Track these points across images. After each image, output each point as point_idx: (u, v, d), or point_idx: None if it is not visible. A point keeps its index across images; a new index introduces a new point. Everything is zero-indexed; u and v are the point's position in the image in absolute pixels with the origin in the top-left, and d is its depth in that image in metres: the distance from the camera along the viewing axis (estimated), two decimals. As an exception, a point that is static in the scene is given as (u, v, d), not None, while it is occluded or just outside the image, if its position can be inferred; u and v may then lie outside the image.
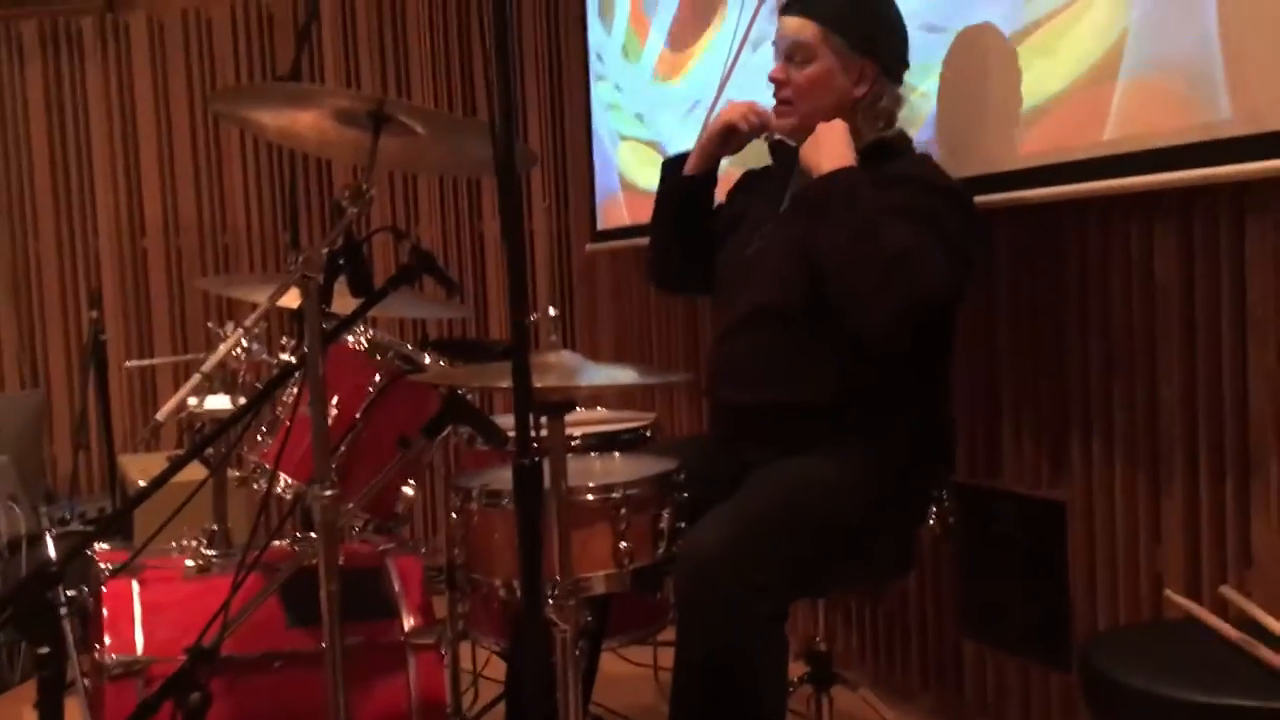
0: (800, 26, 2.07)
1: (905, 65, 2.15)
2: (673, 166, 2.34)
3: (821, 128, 2.01)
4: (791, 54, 2.08)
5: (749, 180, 2.37)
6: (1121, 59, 1.94)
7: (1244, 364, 1.91)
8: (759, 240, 2.14)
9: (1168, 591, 1.69)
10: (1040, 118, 2.12)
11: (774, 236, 2.10)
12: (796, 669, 2.22)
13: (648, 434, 2.54)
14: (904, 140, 2.16)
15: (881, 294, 1.83)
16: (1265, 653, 1.32)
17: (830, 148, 1.98)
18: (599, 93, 3.82)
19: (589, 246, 4.01)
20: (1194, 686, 1.27)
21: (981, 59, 2.24)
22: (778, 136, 2.22)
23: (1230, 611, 1.56)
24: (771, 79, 2.12)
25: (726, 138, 2.25)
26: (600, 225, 3.88)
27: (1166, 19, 1.86)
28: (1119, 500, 2.15)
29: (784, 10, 2.13)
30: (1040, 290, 2.30)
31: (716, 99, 2.48)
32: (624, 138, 3.66)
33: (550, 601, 1.70)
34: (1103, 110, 1.99)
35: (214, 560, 1.97)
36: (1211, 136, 1.80)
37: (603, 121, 3.80)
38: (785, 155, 2.22)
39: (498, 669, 2.73)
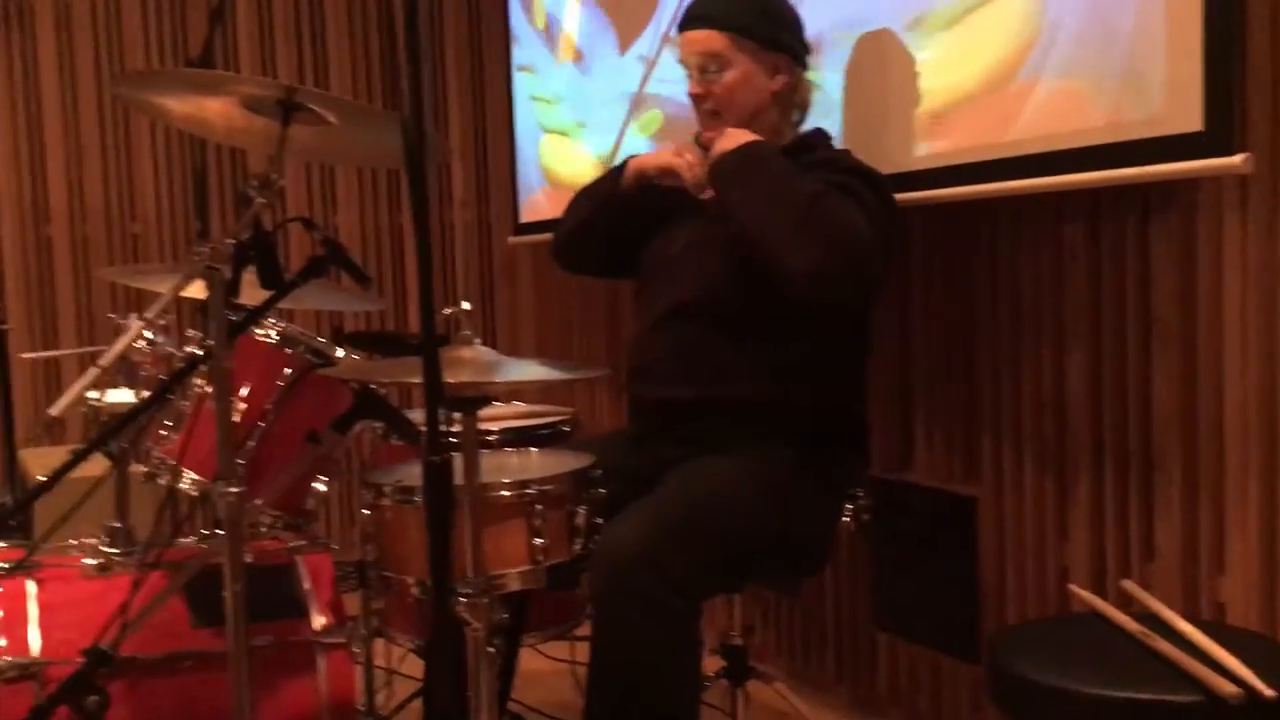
0: (707, 38, 2.08)
1: (808, 50, 2.18)
2: (620, 170, 2.31)
3: (728, 131, 2.03)
4: (704, 66, 2.09)
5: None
6: (1029, 60, 1.97)
7: (1148, 364, 1.96)
8: (683, 239, 2.14)
9: (1072, 586, 1.73)
10: (950, 118, 2.15)
11: (698, 235, 2.11)
12: (713, 663, 2.23)
13: (566, 429, 2.52)
14: (822, 136, 2.19)
15: (803, 234, 1.83)
16: (1163, 645, 1.35)
17: (738, 135, 2.00)
18: (523, 84, 3.79)
19: (511, 240, 3.98)
20: (1095, 680, 1.29)
21: (886, 59, 2.27)
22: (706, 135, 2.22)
23: (1133, 606, 1.60)
24: (691, 96, 2.13)
25: (663, 177, 2.21)
26: (522, 219, 3.85)
27: (1078, 22, 1.90)
28: (1028, 496, 2.19)
29: (684, 26, 2.13)
30: (954, 288, 2.33)
31: (619, 142, 2.46)
32: (546, 130, 3.64)
33: (463, 599, 1.68)
34: (1013, 111, 2.02)
35: (115, 559, 1.91)
36: (1119, 139, 1.84)
37: (526, 114, 3.77)
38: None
39: (414, 666, 2.70)
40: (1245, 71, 1.72)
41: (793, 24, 2.14)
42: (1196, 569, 1.91)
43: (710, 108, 2.11)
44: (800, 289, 1.88)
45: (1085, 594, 1.59)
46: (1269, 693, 1.23)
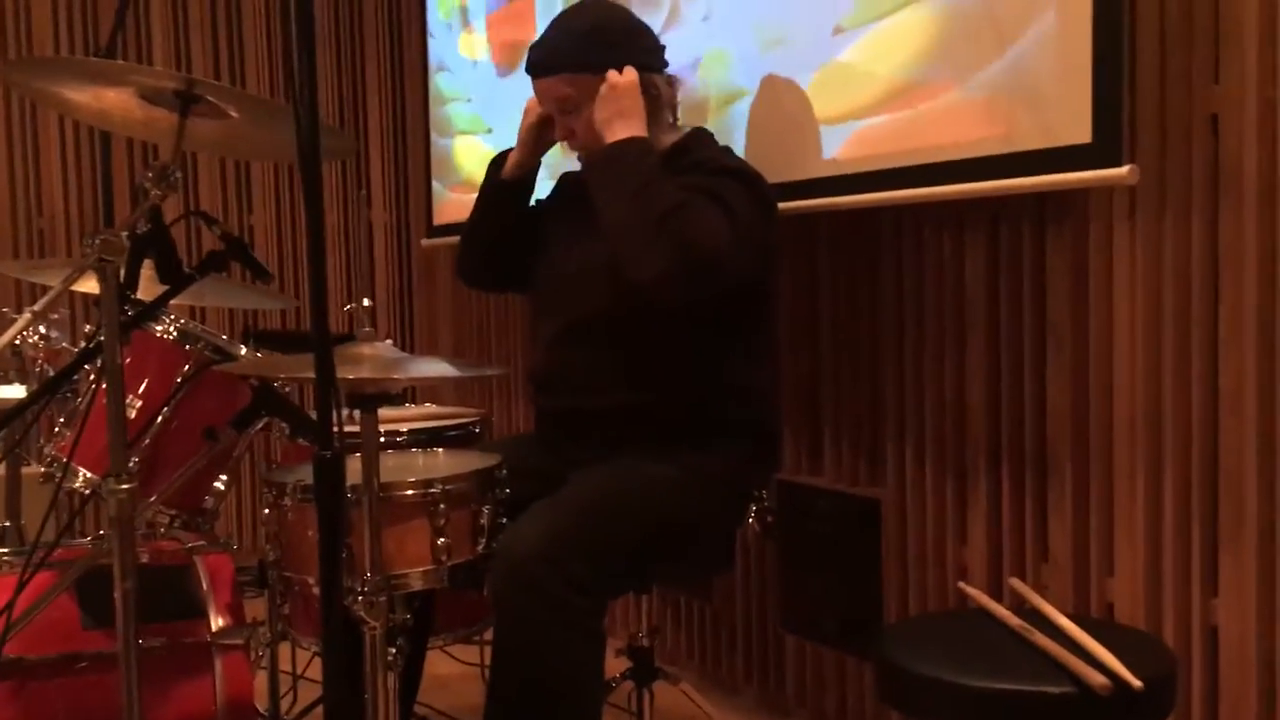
0: (551, 86, 2.10)
1: (661, 49, 2.16)
2: (498, 165, 2.34)
3: (613, 80, 2.02)
4: (561, 109, 2.11)
5: (565, 188, 2.37)
6: (937, 67, 2.01)
7: (1043, 369, 2.01)
8: (577, 259, 2.15)
9: (962, 584, 1.76)
10: (853, 127, 2.18)
11: (591, 254, 2.11)
12: (620, 665, 2.23)
13: (476, 430, 2.52)
14: (703, 135, 2.19)
15: (656, 244, 1.84)
16: (1041, 640, 1.39)
17: (622, 108, 2.00)
18: (439, 84, 3.77)
19: (424, 241, 3.96)
20: (974, 672, 1.32)
21: (795, 69, 2.29)
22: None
23: (1021, 603, 1.64)
24: (559, 140, 2.17)
25: (541, 130, 2.25)
26: (436, 220, 3.83)
27: (976, 35, 1.94)
28: (929, 499, 2.24)
29: (531, 75, 2.14)
30: (859, 295, 2.37)
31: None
32: (460, 132, 3.63)
33: (360, 598, 1.67)
34: (914, 120, 2.06)
35: (4, 558, 1.86)
36: (1013, 148, 1.89)
37: (441, 115, 3.76)
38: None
39: (319, 670, 2.67)
40: (1134, 86, 1.78)
41: (630, 34, 2.11)
42: (1087, 570, 1.96)
43: (577, 145, 2.13)
44: (648, 293, 1.90)
45: (974, 592, 1.63)
46: (1137, 684, 1.27)
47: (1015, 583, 1.69)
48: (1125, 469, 1.88)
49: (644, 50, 2.11)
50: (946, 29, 1.99)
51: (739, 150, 2.32)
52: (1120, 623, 1.81)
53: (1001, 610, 1.51)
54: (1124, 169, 1.72)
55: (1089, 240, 1.92)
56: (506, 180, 2.30)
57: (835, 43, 2.20)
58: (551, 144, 2.27)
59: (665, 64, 2.15)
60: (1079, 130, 1.77)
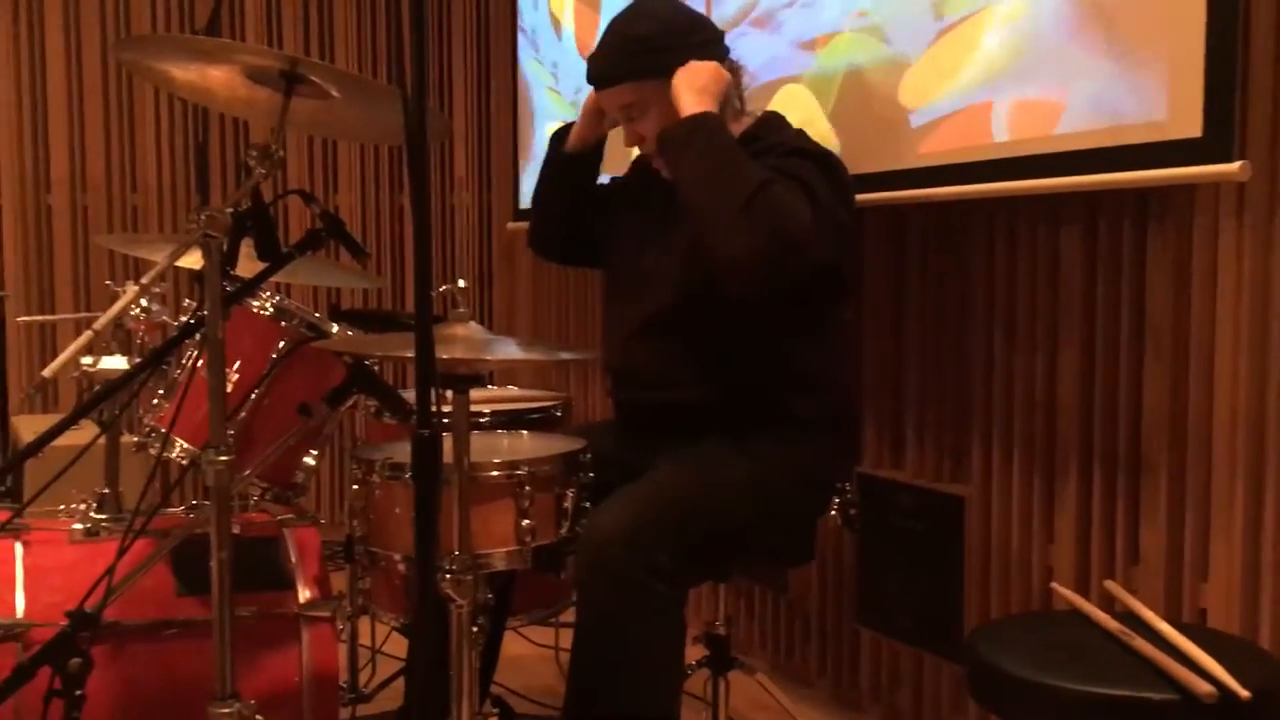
0: (617, 95, 2.08)
1: (720, 37, 2.12)
2: (560, 137, 2.34)
3: (694, 64, 2.00)
4: (627, 116, 2.09)
5: (639, 173, 2.33)
6: (1039, 58, 1.97)
7: (1139, 371, 1.96)
8: (651, 253, 2.14)
9: (1055, 585, 1.73)
10: (948, 119, 2.14)
11: (668, 246, 2.10)
12: (695, 652, 2.23)
13: (558, 414, 2.53)
14: (776, 120, 2.15)
15: (743, 221, 1.79)
16: (1141, 643, 1.36)
17: (700, 85, 1.97)
18: (535, 72, 3.79)
19: (510, 225, 3.98)
20: (1072, 676, 1.30)
21: (884, 59, 2.26)
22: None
23: (1115, 605, 1.61)
24: (629, 146, 2.14)
25: (599, 115, 2.24)
26: (522, 204, 3.85)
27: (1079, 25, 1.90)
28: (1016, 497, 2.20)
29: (594, 86, 2.13)
30: (947, 287, 2.33)
31: None
32: (549, 115, 3.63)
33: (447, 576, 1.69)
34: (1015, 109, 2.02)
35: (103, 525, 1.91)
36: (1118, 142, 1.84)
37: (536, 101, 3.77)
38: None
39: (398, 646, 2.71)
40: (1246, 79, 1.72)
41: (686, 30, 2.06)
42: (1180, 574, 1.91)
43: (648, 151, 2.11)
44: (733, 275, 1.85)
45: (1067, 593, 1.60)
46: (1244, 693, 1.24)
47: (1111, 585, 1.65)
48: (1224, 473, 1.83)
49: (702, 44, 2.06)
50: (1050, 14, 1.94)
51: (829, 139, 2.28)
52: (1220, 629, 1.77)
53: (1098, 613, 1.48)
54: (1235, 165, 1.67)
55: (1193, 238, 1.87)
56: (569, 154, 2.30)
57: (934, 27, 2.17)
58: (615, 125, 2.25)
59: (727, 51, 2.12)
60: (1189, 124, 1.72)
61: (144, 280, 1.48)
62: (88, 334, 1.42)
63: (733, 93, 2.10)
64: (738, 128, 2.09)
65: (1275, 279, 1.75)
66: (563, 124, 2.36)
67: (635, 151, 2.20)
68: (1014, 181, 2.02)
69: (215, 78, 1.73)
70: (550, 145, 2.36)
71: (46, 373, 1.39)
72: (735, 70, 2.13)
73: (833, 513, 2.14)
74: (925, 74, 2.20)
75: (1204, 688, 1.24)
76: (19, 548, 1.84)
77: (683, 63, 2.01)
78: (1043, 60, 1.96)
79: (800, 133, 2.13)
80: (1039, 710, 1.31)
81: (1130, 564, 1.99)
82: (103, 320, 1.45)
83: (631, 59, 2.05)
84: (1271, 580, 1.78)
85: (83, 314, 3.43)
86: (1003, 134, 2.04)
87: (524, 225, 3.81)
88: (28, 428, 3.13)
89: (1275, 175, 1.74)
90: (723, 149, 1.89)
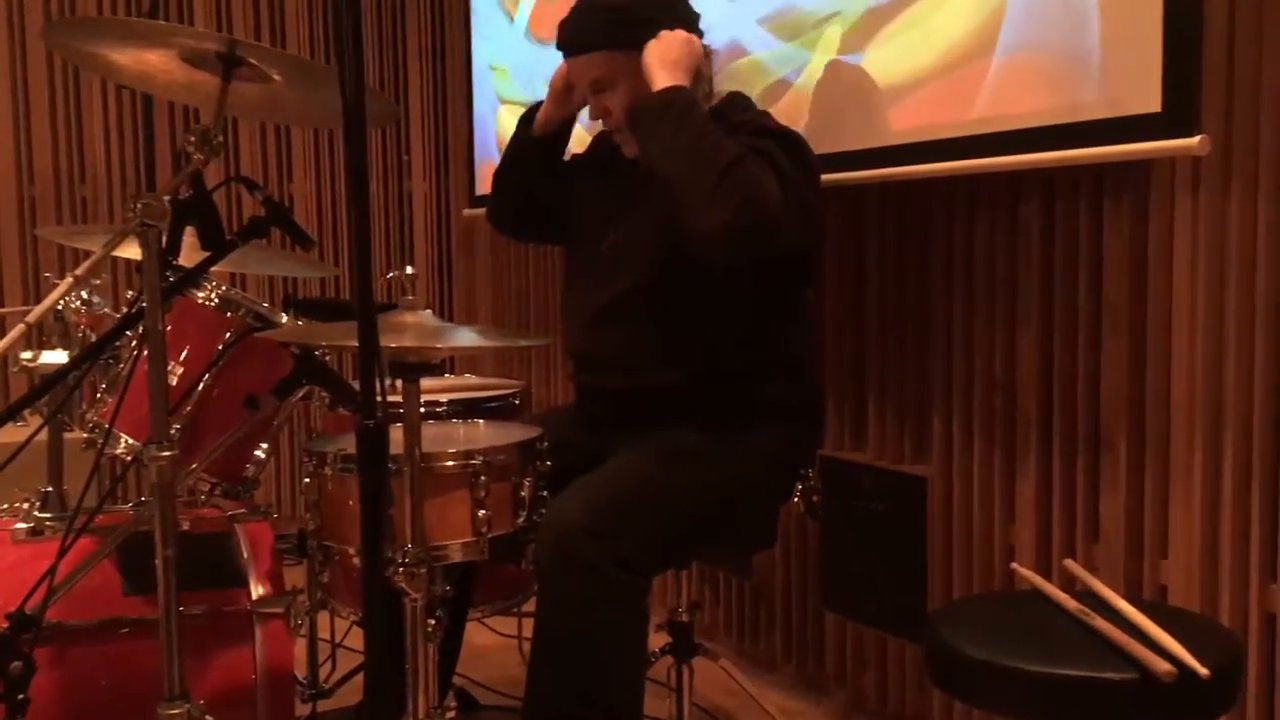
0: (586, 65, 2.04)
1: (696, 17, 2.10)
2: (528, 120, 2.30)
3: (665, 35, 1.97)
4: (596, 89, 2.05)
5: (599, 151, 2.31)
6: (997, 36, 1.96)
7: (1098, 346, 1.96)
8: (614, 233, 2.11)
9: (1014, 565, 1.73)
10: (912, 93, 2.13)
11: (628, 228, 2.07)
12: (658, 639, 2.21)
13: (516, 402, 2.50)
14: (740, 100, 2.13)
15: (718, 196, 1.77)
16: (1100, 623, 1.35)
17: (672, 58, 1.94)
18: (481, 53, 3.74)
19: (466, 211, 3.94)
20: (1030, 656, 1.29)
21: (850, 41, 2.24)
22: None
23: (1075, 585, 1.60)
24: (594, 120, 2.11)
25: (568, 93, 2.20)
26: (478, 190, 3.80)
27: (1039, 2, 1.88)
28: (976, 476, 2.19)
29: (563, 53, 2.10)
30: (908, 267, 2.32)
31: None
32: (503, 101, 3.59)
33: (400, 569, 1.66)
34: (974, 88, 2.01)
35: (47, 524, 1.86)
36: (1075, 119, 1.83)
37: (484, 83, 3.72)
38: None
39: (358, 639, 2.68)
40: (1201, 54, 1.71)
41: (663, 6, 2.04)
42: (1140, 550, 1.91)
43: (613, 125, 2.08)
44: (708, 248, 1.82)
45: (1027, 572, 1.59)
46: (1203, 671, 1.23)
47: (1070, 564, 1.65)
48: (1183, 449, 1.83)
49: (678, 20, 2.04)
50: (1005, -6, 1.93)
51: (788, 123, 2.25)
52: (1180, 607, 1.77)
53: (1057, 593, 1.47)
54: (1194, 139, 1.66)
55: (1149, 214, 1.86)
56: (536, 136, 2.26)
57: (889, 8, 2.15)
58: (584, 104, 2.22)
59: (701, 33, 2.09)
60: (1147, 99, 1.71)
61: (77, 271, 1.43)
62: (20, 326, 1.38)
63: (705, 68, 2.07)
64: (705, 105, 2.06)
65: (1231, 254, 1.75)
66: (534, 104, 2.31)
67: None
68: (974, 160, 2.00)
69: (153, 62, 1.68)
70: (518, 126, 2.32)
71: (-22, 367, 1.35)
72: (708, 53, 2.10)
73: (795, 500, 2.12)
74: (882, 52, 2.18)
75: (1163, 666, 1.23)
76: (-40, 549, 1.79)
77: (653, 38, 1.98)
78: (1003, 35, 1.94)
79: (765, 113, 2.11)
80: (997, 692, 1.29)
81: (1091, 541, 1.99)
82: (36, 311, 1.41)
83: (606, 27, 2.01)
84: (1230, 556, 1.78)
85: (25, 308, 3.36)
86: (966, 111, 2.02)
87: (481, 212, 3.80)
88: (-25, 426, 3.05)
89: (1230, 149, 1.73)
90: (696, 123, 1.86)
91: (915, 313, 2.30)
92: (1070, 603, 1.43)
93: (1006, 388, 2.12)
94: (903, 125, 2.15)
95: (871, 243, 2.40)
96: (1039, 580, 1.53)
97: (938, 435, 2.27)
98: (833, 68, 2.30)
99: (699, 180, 1.80)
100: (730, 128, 1.95)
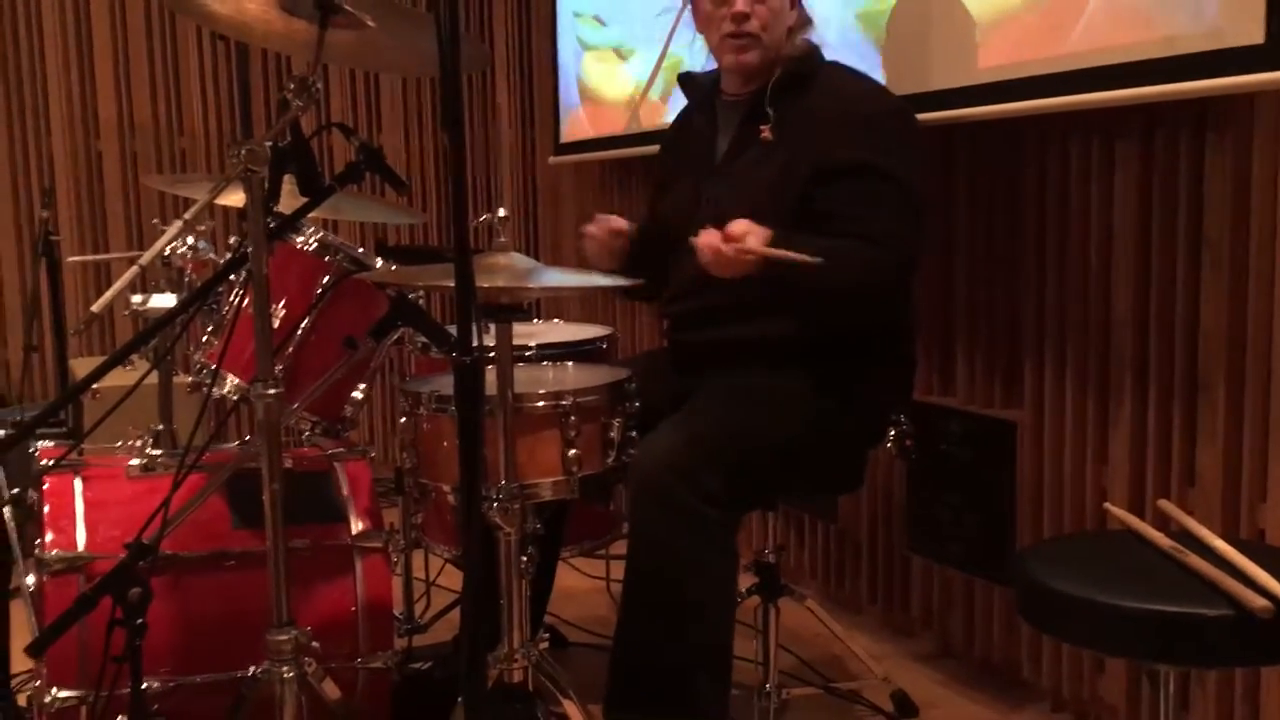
0: None
1: None
2: None
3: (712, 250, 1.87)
4: None
5: (677, 132, 2.31)
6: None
7: (1196, 287, 1.91)
8: (705, 198, 2.10)
9: (1108, 505, 1.71)
10: (1003, 27, 2.08)
11: (719, 190, 2.07)
12: (746, 580, 2.24)
13: (604, 347, 2.52)
14: (809, 59, 2.10)
15: (867, 301, 1.94)
16: (1194, 560, 1.34)
17: (740, 266, 1.87)
18: (566, 0, 3.73)
19: (551, 159, 3.96)
20: (1124, 593, 1.28)
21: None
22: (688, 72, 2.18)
23: (1169, 525, 1.58)
24: (737, 14, 2.06)
25: (613, 237, 2.19)
26: (563, 138, 3.82)
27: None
28: (1069, 420, 2.17)
29: None
30: (999, 208, 2.29)
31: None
32: (587, 47, 3.59)
33: (494, 504, 1.70)
34: (1065, 25, 1.96)
35: (159, 460, 1.94)
36: (1175, 52, 1.78)
37: (568, 30, 3.72)
38: (698, 90, 2.21)
39: (452, 578, 2.75)
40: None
41: None
42: (1237, 494, 1.88)
43: (750, 29, 2.05)
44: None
45: (1120, 512, 1.57)
46: (1300, 609, 1.21)
47: (1164, 504, 1.62)
48: (1284, 391, 1.79)
49: None
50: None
51: (874, 61, 2.22)
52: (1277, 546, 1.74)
53: (1150, 531, 1.46)
54: (1298, 71, 1.61)
55: (1253, 150, 1.81)
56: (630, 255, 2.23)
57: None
58: (625, 252, 2.20)
59: None
60: (1250, 31, 1.65)
61: (186, 215, 1.49)
62: (133, 269, 1.44)
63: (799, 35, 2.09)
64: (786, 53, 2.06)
65: (1339, 189, 1.69)
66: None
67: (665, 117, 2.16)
68: (1069, 96, 1.95)
69: (251, 10, 1.72)
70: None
71: (95, 308, 1.41)
72: (809, 19, 2.13)
73: (888, 444, 2.11)
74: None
75: (1259, 602, 1.21)
76: (78, 483, 1.88)
77: None
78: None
79: (855, 78, 2.08)
80: (1090, 627, 1.29)
81: (1186, 485, 1.96)
82: (148, 255, 1.47)
83: None
84: (1333, 499, 1.74)
85: (132, 253, 3.47)
86: (1060, 48, 1.98)
87: (567, 159, 3.82)
88: (86, 369, 3.18)
89: (1340, 80, 1.67)
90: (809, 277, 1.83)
91: (1005, 253, 2.27)
92: (1164, 540, 1.42)
93: (1100, 329, 2.08)
94: (991, 62, 2.10)
95: (960, 181, 2.36)
96: (1133, 519, 1.51)
97: (1029, 379, 2.25)
98: (920, 5, 2.26)
99: (849, 304, 1.93)
100: (818, 105, 1.96)
